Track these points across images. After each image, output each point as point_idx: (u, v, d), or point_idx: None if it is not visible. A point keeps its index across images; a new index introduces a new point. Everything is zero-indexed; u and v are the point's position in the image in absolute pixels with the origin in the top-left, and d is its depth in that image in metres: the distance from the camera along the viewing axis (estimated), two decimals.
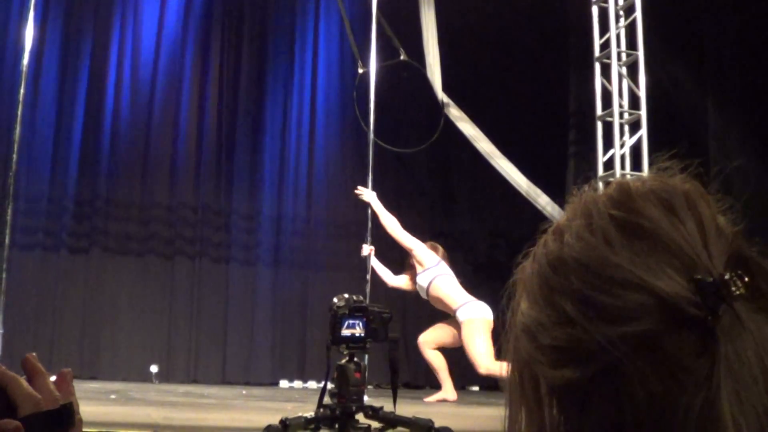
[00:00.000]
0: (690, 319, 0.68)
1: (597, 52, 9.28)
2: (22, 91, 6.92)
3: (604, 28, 9.22)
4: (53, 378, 1.00)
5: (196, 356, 10.41)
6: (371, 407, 4.22)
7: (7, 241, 6.72)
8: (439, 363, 7.99)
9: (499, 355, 0.85)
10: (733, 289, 0.68)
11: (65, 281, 10.10)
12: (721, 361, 0.66)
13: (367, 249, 7.83)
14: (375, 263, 8.13)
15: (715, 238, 0.72)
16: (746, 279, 0.69)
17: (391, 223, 8.03)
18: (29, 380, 0.97)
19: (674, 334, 0.68)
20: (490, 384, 10.18)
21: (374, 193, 8.00)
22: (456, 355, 11.05)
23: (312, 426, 4.05)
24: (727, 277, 0.69)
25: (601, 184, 0.82)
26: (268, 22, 11.45)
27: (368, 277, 7.82)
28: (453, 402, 7.87)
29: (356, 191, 8.14)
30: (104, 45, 10.64)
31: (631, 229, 0.73)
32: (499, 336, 0.85)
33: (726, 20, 9.39)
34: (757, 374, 0.67)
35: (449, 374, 8.04)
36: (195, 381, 10.16)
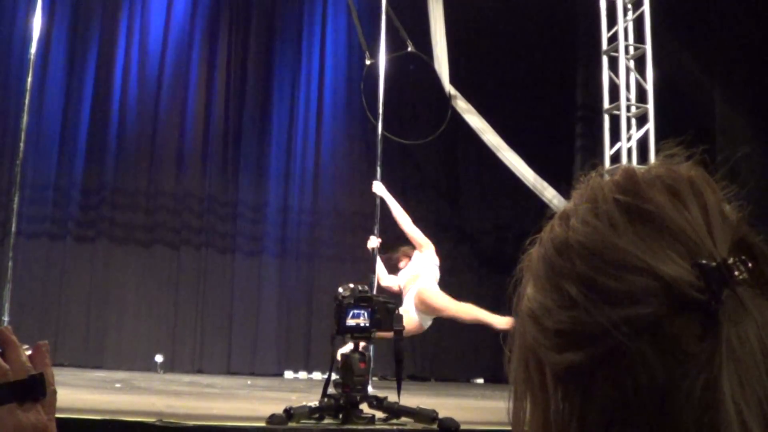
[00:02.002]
0: (693, 303, 0.68)
1: (605, 46, 9.27)
2: (29, 80, 6.90)
3: (612, 22, 9.21)
4: (29, 351, 1.01)
5: (202, 346, 10.43)
6: (375, 397, 4.23)
7: (13, 229, 6.72)
8: None
9: (504, 342, 0.85)
10: (736, 273, 0.69)
11: (71, 270, 10.12)
12: (723, 344, 0.67)
13: (375, 241, 7.75)
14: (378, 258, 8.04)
15: (719, 223, 0.72)
16: (750, 264, 0.70)
17: (403, 217, 8.05)
18: (2, 352, 0.98)
19: (677, 318, 0.68)
20: (495, 377, 10.21)
21: (382, 186, 7.94)
22: (456, 351, 11.07)
23: (316, 415, 4.06)
24: (730, 261, 0.69)
25: (607, 175, 0.82)
26: (275, 12, 11.45)
27: (375, 267, 7.77)
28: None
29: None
30: (112, 35, 10.64)
31: (636, 214, 0.73)
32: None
33: (733, 11, 9.36)
34: (759, 358, 0.67)
35: None
36: (200, 371, 10.18)
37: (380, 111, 7.92)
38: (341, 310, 4.09)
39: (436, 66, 9.46)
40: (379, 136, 7.89)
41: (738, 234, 0.73)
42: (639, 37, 9.07)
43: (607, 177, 0.80)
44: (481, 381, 10.92)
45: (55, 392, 1.01)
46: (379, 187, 7.83)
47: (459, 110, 9.64)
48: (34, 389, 0.98)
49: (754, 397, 0.66)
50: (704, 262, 0.69)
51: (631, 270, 0.70)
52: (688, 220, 0.72)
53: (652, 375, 0.68)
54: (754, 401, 0.66)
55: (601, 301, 0.70)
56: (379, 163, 7.84)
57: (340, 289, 4.19)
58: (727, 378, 0.66)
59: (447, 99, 9.59)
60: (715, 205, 0.74)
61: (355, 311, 4.08)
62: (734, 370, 0.66)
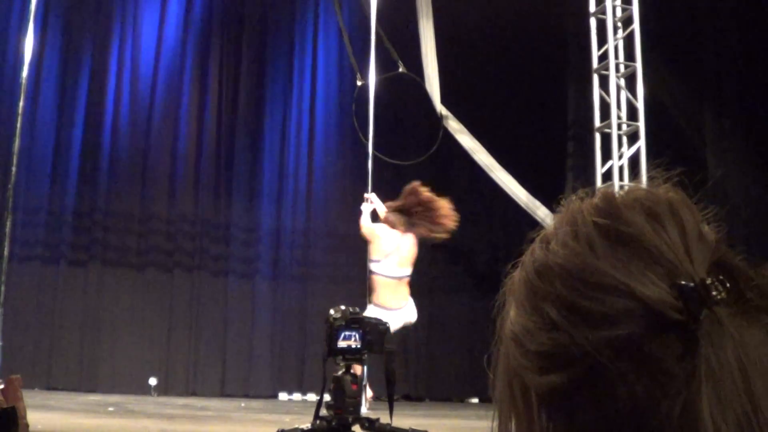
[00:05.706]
0: (672, 324, 0.69)
1: (595, 64, 9.29)
2: (21, 103, 6.92)
3: (603, 40, 9.23)
4: (2, 386, 1.02)
5: (195, 369, 10.41)
6: (368, 419, 4.21)
7: (6, 253, 6.72)
8: None
9: (488, 367, 0.86)
10: (714, 293, 0.69)
11: (64, 293, 10.10)
12: (701, 364, 0.67)
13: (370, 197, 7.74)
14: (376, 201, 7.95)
15: (697, 244, 0.73)
16: (728, 284, 0.70)
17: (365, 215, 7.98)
18: None
19: (656, 338, 0.69)
20: (490, 396, 10.16)
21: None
22: (450, 370, 11.05)
23: None
24: (708, 282, 0.70)
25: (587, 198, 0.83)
26: (267, 34, 11.49)
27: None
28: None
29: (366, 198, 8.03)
30: (103, 58, 10.68)
31: (615, 236, 0.74)
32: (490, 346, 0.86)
33: (724, 30, 9.41)
34: (737, 377, 0.68)
35: None
36: (194, 393, 10.15)
37: (371, 132, 7.93)
38: (332, 331, 4.08)
39: (428, 86, 9.49)
40: (371, 157, 7.90)
41: (716, 254, 0.74)
42: (629, 56, 9.09)
43: (587, 200, 0.81)
44: (475, 401, 10.89)
45: (27, 426, 1.02)
46: (374, 203, 7.83)
47: (451, 130, 9.67)
48: (6, 423, 0.99)
49: (732, 416, 0.67)
50: (682, 282, 0.70)
51: (611, 292, 0.71)
52: (666, 242, 0.73)
53: (633, 395, 0.69)
54: (732, 420, 0.67)
55: (582, 323, 0.71)
56: (369, 183, 7.85)
57: (332, 311, 4.19)
58: (706, 397, 0.67)
59: (438, 119, 9.61)
60: (694, 226, 0.75)
61: (347, 333, 4.06)
62: (713, 389, 0.67)
